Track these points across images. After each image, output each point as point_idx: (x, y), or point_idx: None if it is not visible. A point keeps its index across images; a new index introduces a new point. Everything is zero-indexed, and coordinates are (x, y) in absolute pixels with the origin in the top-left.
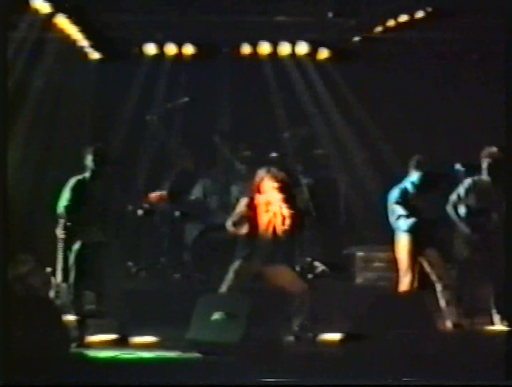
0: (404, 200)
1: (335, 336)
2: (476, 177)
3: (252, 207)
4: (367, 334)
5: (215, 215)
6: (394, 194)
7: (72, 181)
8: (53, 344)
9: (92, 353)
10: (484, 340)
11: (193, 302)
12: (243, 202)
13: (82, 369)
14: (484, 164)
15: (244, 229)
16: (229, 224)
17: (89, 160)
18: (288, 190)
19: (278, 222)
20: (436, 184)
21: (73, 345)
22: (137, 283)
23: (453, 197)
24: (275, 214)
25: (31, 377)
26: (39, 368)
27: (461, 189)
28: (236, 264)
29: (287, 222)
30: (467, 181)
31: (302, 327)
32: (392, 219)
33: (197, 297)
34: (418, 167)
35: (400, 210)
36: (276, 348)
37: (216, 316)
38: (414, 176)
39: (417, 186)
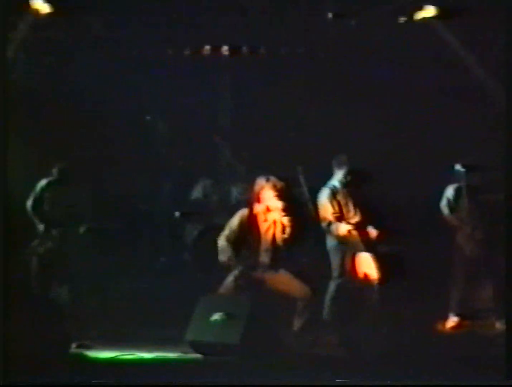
0: (334, 198)
1: (335, 337)
2: (460, 184)
3: (252, 216)
4: (367, 334)
5: (215, 215)
6: (324, 193)
7: (41, 182)
8: (53, 344)
9: (92, 353)
10: (484, 340)
11: (193, 303)
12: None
13: (82, 369)
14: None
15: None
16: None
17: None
18: (287, 199)
19: (278, 230)
20: (363, 182)
21: (73, 345)
22: (137, 283)
23: (444, 202)
24: (275, 222)
25: (31, 377)
26: (39, 368)
27: (448, 194)
28: (236, 271)
29: (287, 230)
30: (452, 186)
31: (303, 328)
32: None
33: (197, 297)
34: (341, 165)
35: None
36: (276, 348)
37: (216, 316)
38: (339, 174)
39: (344, 184)
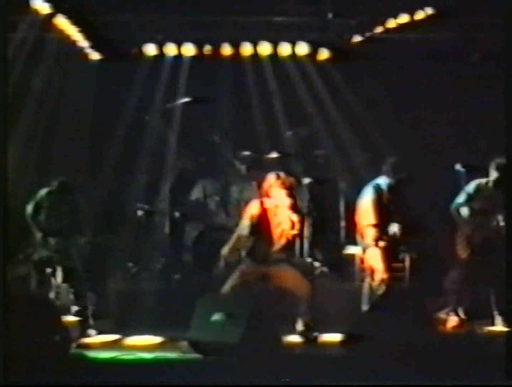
0: (378, 200)
1: (335, 337)
2: (483, 180)
3: (260, 211)
4: (367, 334)
5: (215, 215)
6: (368, 193)
7: (41, 191)
8: (53, 344)
9: (92, 353)
10: (485, 340)
11: (193, 303)
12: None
13: (82, 369)
14: (493, 175)
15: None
16: (224, 252)
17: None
18: (296, 196)
19: (286, 226)
20: (408, 189)
21: (73, 345)
22: (137, 283)
23: (461, 198)
24: (283, 218)
25: (31, 377)
26: (39, 368)
27: (469, 191)
28: (243, 265)
29: (296, 227)
30: (475, 183)
31: (307, 326)
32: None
33: (197, 297)
34: (391, 170)
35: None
36: (276, 348)
37: (216, 316)
38: (388, 177)
39: (391, 188)
